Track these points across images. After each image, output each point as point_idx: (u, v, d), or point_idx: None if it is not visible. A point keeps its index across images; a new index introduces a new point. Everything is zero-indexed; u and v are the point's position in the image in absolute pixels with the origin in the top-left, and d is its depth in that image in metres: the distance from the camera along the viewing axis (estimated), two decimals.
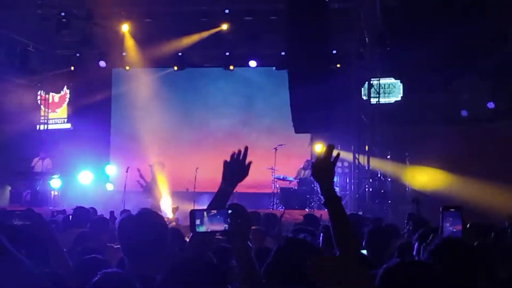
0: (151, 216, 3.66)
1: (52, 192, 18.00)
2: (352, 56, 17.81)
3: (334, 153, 3.01)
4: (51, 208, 15.73)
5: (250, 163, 3.31)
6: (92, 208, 10.25)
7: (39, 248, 4.01)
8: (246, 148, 3.33)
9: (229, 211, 2.77)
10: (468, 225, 5.19)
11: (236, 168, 3.29)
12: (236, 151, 3.34)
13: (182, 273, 2.63)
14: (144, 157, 18.24)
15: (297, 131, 16.37)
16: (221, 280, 2.66)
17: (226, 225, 2.75)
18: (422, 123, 17.66)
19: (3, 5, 17.54)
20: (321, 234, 5.83)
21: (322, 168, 2.99)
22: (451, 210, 3.72)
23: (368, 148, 16.97)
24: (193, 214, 2.77)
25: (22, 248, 4.30)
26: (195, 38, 18.50)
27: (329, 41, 16.51)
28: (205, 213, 2.77)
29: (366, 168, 17.01)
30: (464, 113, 17.80)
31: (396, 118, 17.93)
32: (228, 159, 3.35)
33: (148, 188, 16.10)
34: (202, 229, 2.75)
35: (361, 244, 6.18)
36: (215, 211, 2.78)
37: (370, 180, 16.66)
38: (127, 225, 3.61)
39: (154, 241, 3.43)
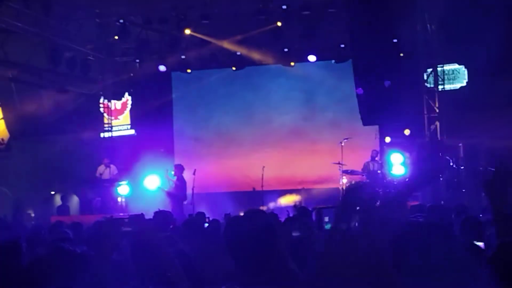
0: (260, 216, 3.52)
1: (119, 198, 18.12)
2: (415, 44, 17.39)
3: None
4: (121, 214, 15.80)
5: None
6: (170, 211, 10.22)
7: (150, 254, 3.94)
8: None
9: (357, 208, 2.67)
10: None
11: None
12: None
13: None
14: (209, 158, 18.16)
15: (365, 123, 16.13)
16: None
17: (355, 221, 2.65)
18: (489, 108, 17.12)
19: (62, 17, 17.78)
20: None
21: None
22: None
23: (440, 137, 16.56)
24: (320, 212, 2.77)
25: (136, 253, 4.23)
26: (252, 36, 18.40)
27: (391, 29, 16.21)
28: (332, 210, 2.73)
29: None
30: None
31: (462, 104, 17.43)
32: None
33: None
34: (330, 226, 2.69)
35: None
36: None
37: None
38: (236, 227, 3.46)
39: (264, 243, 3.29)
